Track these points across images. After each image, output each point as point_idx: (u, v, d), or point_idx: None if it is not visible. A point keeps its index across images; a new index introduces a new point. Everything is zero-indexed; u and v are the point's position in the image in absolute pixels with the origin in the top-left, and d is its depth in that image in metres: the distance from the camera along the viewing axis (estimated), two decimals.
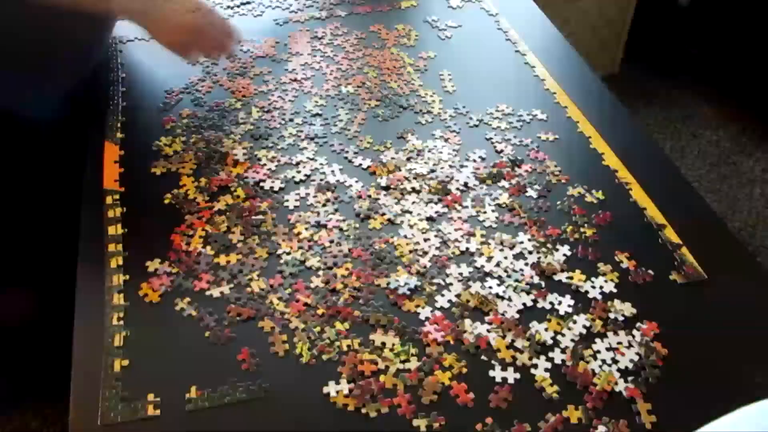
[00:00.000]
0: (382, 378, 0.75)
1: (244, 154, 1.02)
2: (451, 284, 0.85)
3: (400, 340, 0.78)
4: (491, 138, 1.06)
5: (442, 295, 0.83)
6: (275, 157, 1.02)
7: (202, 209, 0.93)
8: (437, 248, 0.89)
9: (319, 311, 0.81)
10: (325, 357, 0.76)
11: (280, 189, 0.97)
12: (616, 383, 0.75)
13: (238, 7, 1.35)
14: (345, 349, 0.77)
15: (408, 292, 0.83)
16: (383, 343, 0.78)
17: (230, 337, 0.78)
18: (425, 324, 0.80)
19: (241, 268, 0.86)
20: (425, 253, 0.88)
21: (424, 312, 0.81)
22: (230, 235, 0.90)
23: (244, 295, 0.83)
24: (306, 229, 0.91)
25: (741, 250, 0.92)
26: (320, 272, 0.85)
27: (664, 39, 2.59)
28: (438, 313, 0.81)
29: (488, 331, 0.79)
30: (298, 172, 1.00)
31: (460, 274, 0.86)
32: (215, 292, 0.83)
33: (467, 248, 0.89)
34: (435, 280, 0.85)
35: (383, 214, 0.93)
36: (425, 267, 0.86)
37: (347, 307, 0.81)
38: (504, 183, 0.99)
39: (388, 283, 0.84)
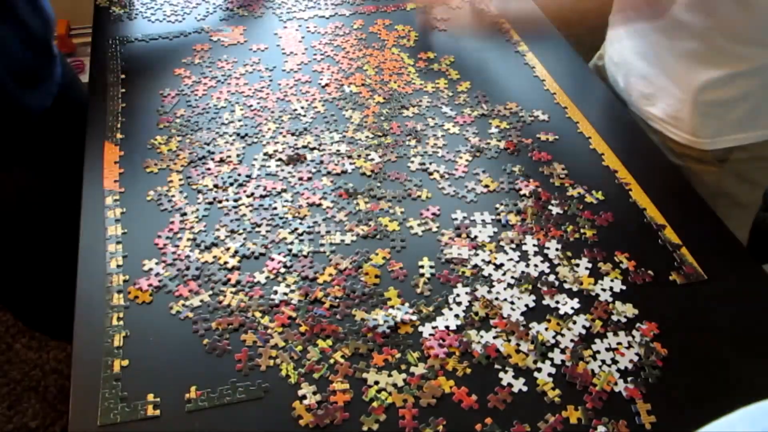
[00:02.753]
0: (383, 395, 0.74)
1: (238, 155, 1.02)
2: (459, 302, 0.83)
3: (396, 357, 0.77)
4: (492, 136, 1.06)
5: (450, 309, 0.82)
6: (272, 156, 1.02)
7: (182, 208, 0.93)
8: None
9: (302, 329, 0.79)
10: (316, 375, 0.75)
11: (282, 190, 0.97)
12: (615, 383, 0.75)
13: (238, 9, 1.35)
14: (333, 361, 0.76)
15: (387, 331, 0.79)
16: (374, 381, 0.75)
17: (226, 348, 0.77)
18: (429, 339, 0.79)
19: (228, 276, 0.85)
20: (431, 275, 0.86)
21: (426, 329, 0.80)
22: (217, 236, 0.90)
23: (224, 306, 0.82)
24: (295, 239, 0.91)
25: (741, 250, 0.92)
26: (304, 284, 0.84)
27: None
28: (441, 328, 0.80)
29: (494, 338, 0.79)
30: (295, 174, 1.00)
31: (473, 289, 0.84)
32: (195, 301, 0.82)
33: (477, 255, 0.89)
34: (438, 300, 0.83)
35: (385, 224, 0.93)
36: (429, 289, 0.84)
37: (331, 324, 0.80)
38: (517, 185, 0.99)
39: (364, 320, 0.80)
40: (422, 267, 0.87)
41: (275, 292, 0.83)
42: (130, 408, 0.71)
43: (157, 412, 0.71)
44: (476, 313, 0.81)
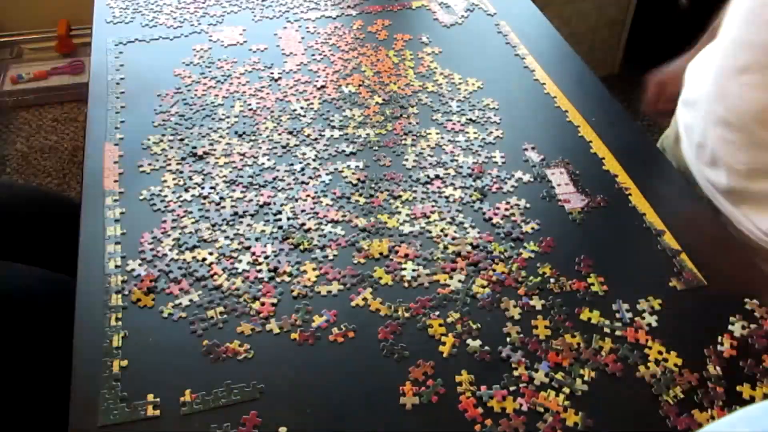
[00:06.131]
0: None
1: (238, 153, 1.02)
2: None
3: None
4: (490, 136, 1.06)
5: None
6: (267, 154, 1.02)
7: (176, 208, 0.93)
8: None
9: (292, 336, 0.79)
10: None
11: (282, 189, 0.97)
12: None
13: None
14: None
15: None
16: None
17: (222, 354, 0.77)
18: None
19: (213, 272, 0.86)
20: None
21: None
22: (209, 234, 0.90)
23: (215, 297, 0.83)
24: (294, 234, 0.91)
25: (743, 255, 0.92)
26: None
27: (664, 39, 2.59)
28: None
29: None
30: (293, 172, 1.00)
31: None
32: (185, 300, 0.82)
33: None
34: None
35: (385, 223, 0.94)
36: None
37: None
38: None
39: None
40: (404, 269, 0.87)
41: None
42: (131, 408, 0.71)
43: (158, 412, 0.71)
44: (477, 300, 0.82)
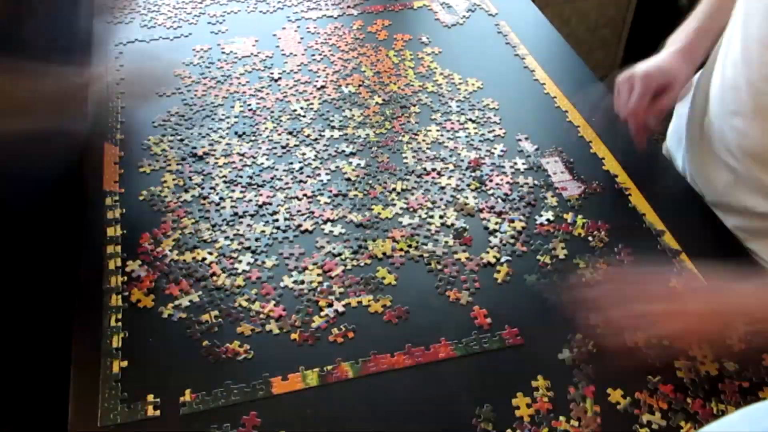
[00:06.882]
0: None
1: (238, 154, 1.02)
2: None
3: None
4: (490, 135, 1.06)
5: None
6: (267, 154, 1.02)
7: (176, 208, 0.94)
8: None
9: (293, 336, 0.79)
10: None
11: (280, 189, 0.97)
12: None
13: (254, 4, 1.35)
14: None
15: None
16: None
17: (221, 357, 0.77)
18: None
19: (213, 271, 0.86)
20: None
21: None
22: (209, 234, 0.90)
23: (215, 298, 0.83)
24: (291, 235, 0.91)
25: (741, 256, 0.92)
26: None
27: (664, 39, 2.59)
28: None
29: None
30: (291, 170, 1.00)
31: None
32: (185, 301, 0.82)
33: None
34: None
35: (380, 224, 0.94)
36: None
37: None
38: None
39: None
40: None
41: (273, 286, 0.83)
42: (130, 409, 0.71)
43: (158, 412, 0.71)
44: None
